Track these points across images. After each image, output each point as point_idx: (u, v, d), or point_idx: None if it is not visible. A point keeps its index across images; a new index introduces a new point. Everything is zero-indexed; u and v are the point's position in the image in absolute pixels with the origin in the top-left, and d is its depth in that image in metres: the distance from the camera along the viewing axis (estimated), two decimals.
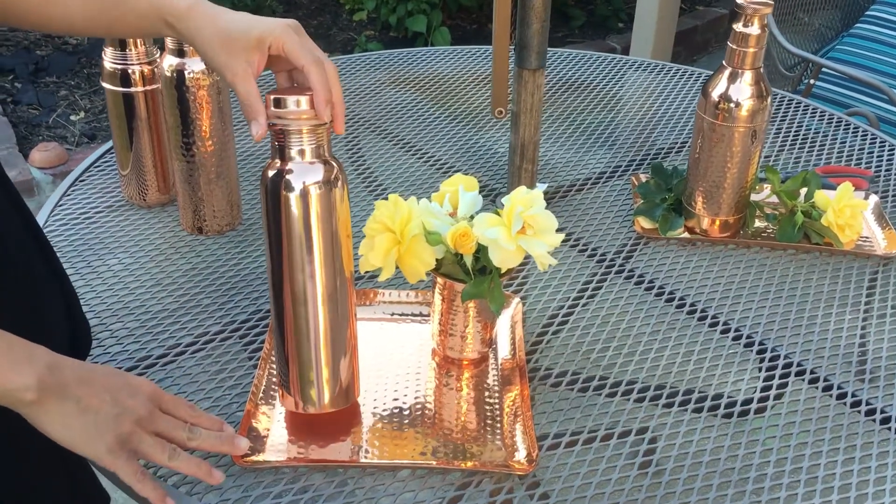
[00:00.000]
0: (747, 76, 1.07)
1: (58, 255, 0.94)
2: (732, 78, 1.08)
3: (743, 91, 1.07)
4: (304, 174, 0.76)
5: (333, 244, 0.78)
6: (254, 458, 0.82)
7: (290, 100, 0.75)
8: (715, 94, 1.09)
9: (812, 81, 2.06)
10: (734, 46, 1.07)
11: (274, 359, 0.92)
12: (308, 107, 0.75)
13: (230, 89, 1.00)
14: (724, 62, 1.09)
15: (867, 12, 2.25)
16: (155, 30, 0.82)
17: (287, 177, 0.76)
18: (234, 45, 0.77)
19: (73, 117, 2.93)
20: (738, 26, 1.06)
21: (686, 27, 3.84)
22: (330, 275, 0.79)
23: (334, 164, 0.78)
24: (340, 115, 0.77)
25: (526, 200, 0.83)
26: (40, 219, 1.16)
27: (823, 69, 2.06)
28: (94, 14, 0.84)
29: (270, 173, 0.77)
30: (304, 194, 0.76)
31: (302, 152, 0.76)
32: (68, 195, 1.22)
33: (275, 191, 0.76)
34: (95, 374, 0.73)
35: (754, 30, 1.05)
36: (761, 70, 1.08)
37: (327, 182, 0.76)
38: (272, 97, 0.75)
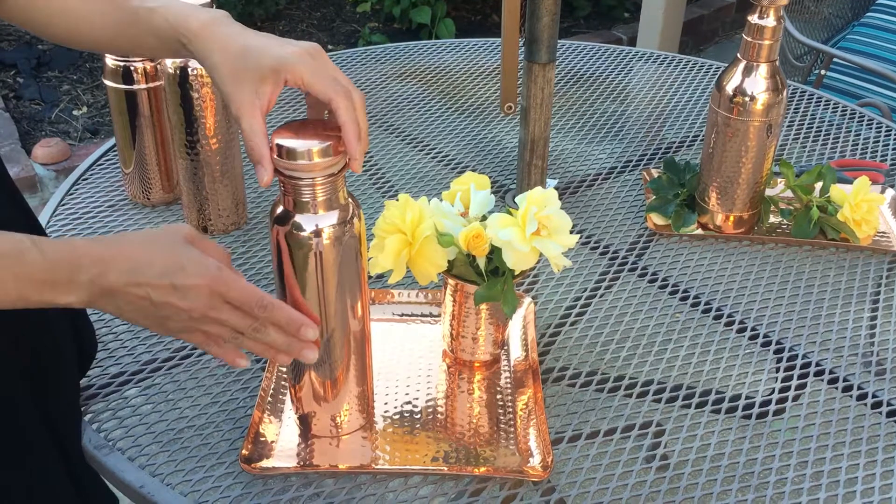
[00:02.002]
0: (763, 69, 1.05)
1: None
2: (747, 71, 1.05)
3: (758, 84, 1.05)
4: (316, 218, 0.71)
5: (346, 285, 0.74)
6: (263, 464, 0.80)
7: (300, 151, 0.67)
8: (729, 87, 1.06)
9: (823, 72, 2.03)
10: (749, 39, 1.04)
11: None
12: (320, 158, 0.68)
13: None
14: (738, 55, 1.07)
15: (877, 1, 2.22)
16: (172, 50, 0.77)
17: (296, 218, 0.71)
18: (243, 74, 0.70)
19: (75, 112, 2.91)
20: (753, 18, 1.03)
21: (692, 16, 3.81)
22: (343, 313, 0.76)
23: (350, 202, 0.73)
24: (363, 152, 0.71)
25: (540, 200, 0.81)
26: (43, 218, 1.14)
27: (835, 59, 2.03)
28: (114, 34, 0.80)
29: (278, 210, 0.72)
30: (317, 236, 0.71)
31: (313, 203, 0.70)
32: (71, 194, 1.20)
33: (282, 233, 0.71)
34: (144, 274, 0.67)
35: (770, 21, 1.03)
36: (777, 63, 1.06)
37: (342, 223, 0.71)
38: (276, 143, 0.68)
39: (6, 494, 0.83)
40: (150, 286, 0.67)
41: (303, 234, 0.71)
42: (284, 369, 0.88)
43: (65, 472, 0.87)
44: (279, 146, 0.68)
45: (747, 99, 1.05)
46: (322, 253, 0.71)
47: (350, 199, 0.73)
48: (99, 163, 1.27)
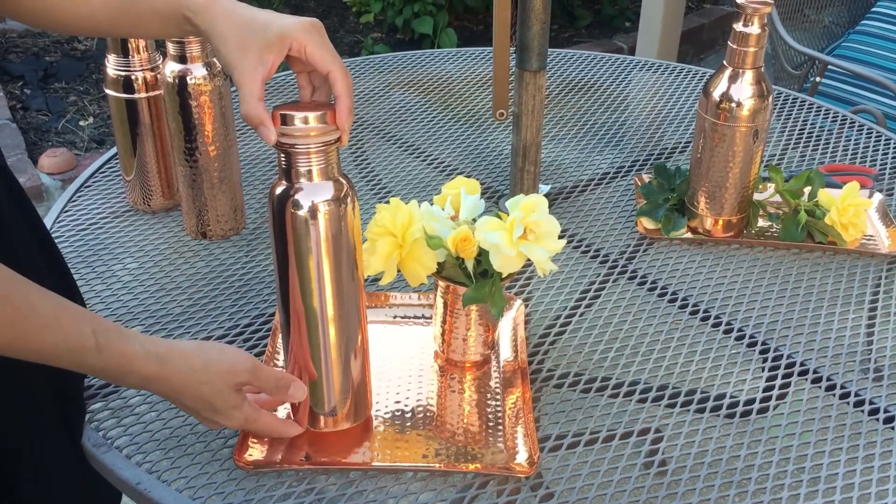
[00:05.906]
0: (748, 75, 1.07)
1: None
2: (733, 77, 1.08)
3: (744, 90, 1.07)
4: (313, 193, 0.73)
5: (344, 263, 0.77)
6: (256, 460, 0.82)
7: (298, 117, 0.71)
8: (716, 93, 1.08)
9: (818, 79, 2.05)
10: (734, 46, 1.06)
11: (277, 364, 0.93)
12: (316, 124, 0.72)
13: (234, 93, 1.00)
14: (724, 62, 1.09)
15: (873, 8, 2.24)
16: (176, 26, 0.81)
17: (295, 196, 0.73)
18: (249, 43, 0.75)
19: (81, 122, 2.95)
20: (738, 26, 1.06)
21: (693, 25, 3.84)
22: (340, 294, 0.78)
23: (343, 181, 0.75)
24: (349, 128, 0.75)
25: (529, 205, 0.83)
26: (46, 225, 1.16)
27: (830, 66, 2.05)
28: (116, 13, 0.83)
29: (278, 191, 0.74)
30: (313, 214, 0.73)
31: (310, 173, 0.73)
32: (73, 202, 1.23)
33: (282, 210, 0.74)
34: (180, 400, 0.77)
35: (754, 29, 1.05)
36: (762, 69, 1.08)
37: (337, 200, 0.74)
38: (279, 113, 0.72)
39: (24, 487, 0.85)
40: (184, 407, 0.78)
41: (299, 209, 0.73)
42: (280, 365, 0.90)
43: (76, 462, 0.89)
44: (280, 116, 0.72)
45: (733, 105, 1.07)
46: (318, 225, 0.74)
47: (343, 179, 0.75)
48: (101, 171, 1.30)
